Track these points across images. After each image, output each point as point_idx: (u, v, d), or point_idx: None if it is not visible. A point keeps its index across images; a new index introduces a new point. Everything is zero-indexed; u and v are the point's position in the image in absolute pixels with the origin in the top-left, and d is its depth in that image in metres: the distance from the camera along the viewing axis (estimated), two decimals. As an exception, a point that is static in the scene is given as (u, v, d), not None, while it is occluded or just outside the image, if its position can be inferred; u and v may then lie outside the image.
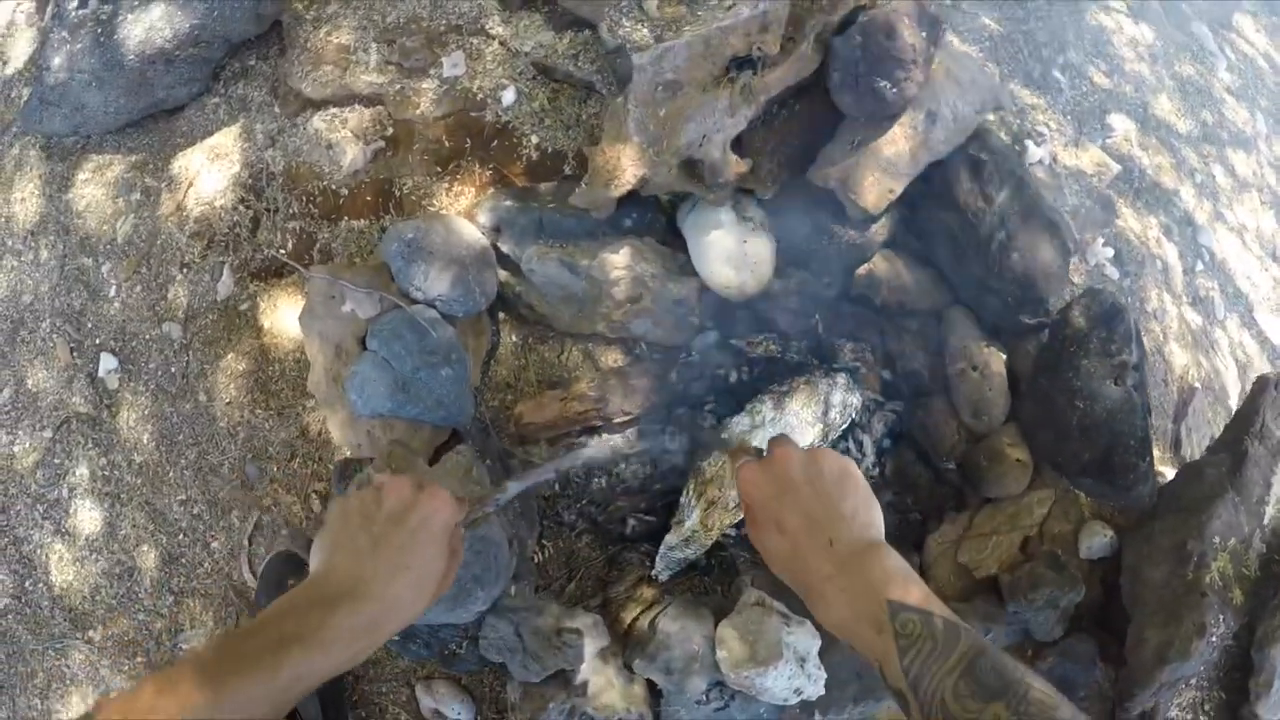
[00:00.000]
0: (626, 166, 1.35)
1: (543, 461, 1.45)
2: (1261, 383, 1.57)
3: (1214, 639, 1.41)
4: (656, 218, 1.51)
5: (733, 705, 1.39)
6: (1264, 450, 1.54)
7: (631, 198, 1.44)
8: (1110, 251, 1.77)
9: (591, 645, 1.38)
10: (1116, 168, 1.84)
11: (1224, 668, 1.50)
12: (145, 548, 1.68)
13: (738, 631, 1.34)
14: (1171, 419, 1.81)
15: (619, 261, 1.46)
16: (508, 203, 1.53)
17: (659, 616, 1.40)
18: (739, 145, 1.41)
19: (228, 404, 1.66)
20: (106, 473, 1.70)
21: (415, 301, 1.48)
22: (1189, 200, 2.01)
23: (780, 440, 0.86)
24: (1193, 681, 1.46)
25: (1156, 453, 1.76)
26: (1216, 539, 1.46)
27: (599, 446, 1.39)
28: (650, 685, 1.44)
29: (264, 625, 0.68)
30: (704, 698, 1.39)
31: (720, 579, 1.52)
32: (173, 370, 1.69)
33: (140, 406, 1.69)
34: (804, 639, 1.33)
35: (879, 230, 1.48)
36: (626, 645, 1.45)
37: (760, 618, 1.34)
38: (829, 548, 0.75)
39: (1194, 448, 1.79)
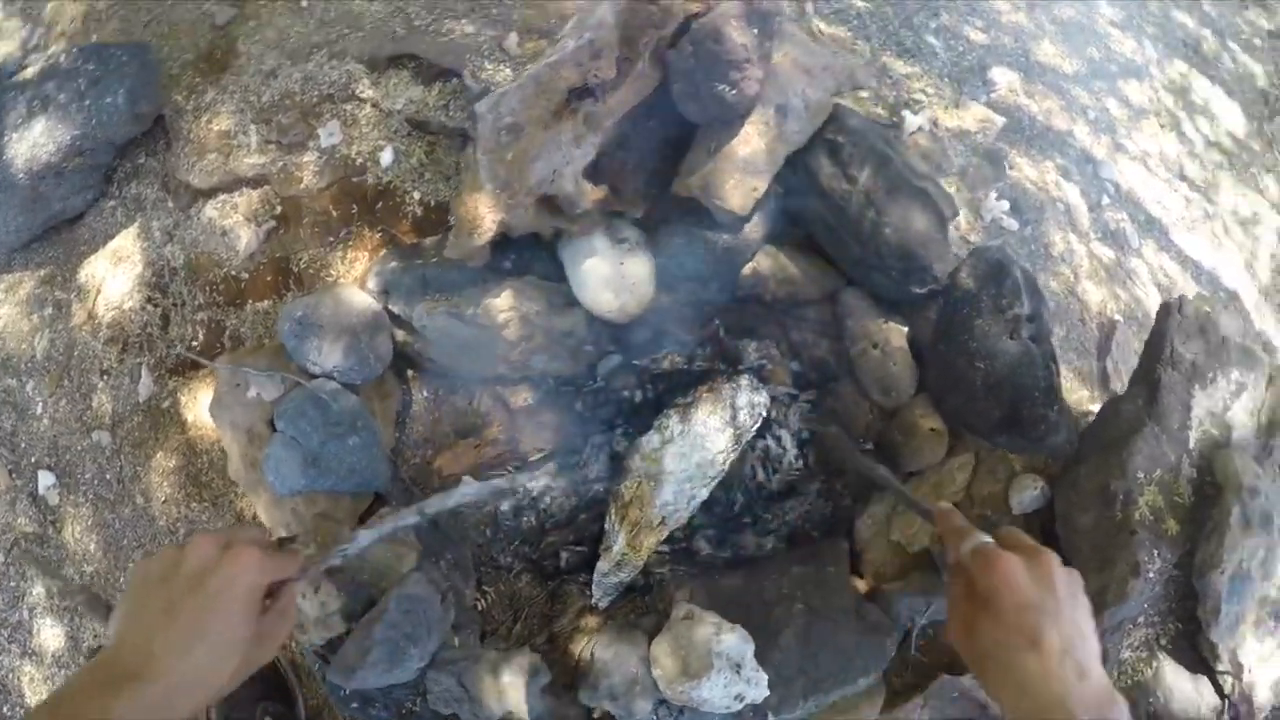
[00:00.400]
0: (484, 214, 1.34)
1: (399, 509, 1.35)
2: (1165, 309, 1.53)
3: (1151, 575, 1.38)
4: (536, 254, 1.50)
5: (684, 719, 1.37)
6: (1178, 375, 1.50)
7: (509, 239, 1.44)
8: (1005, 204, 1.74)
9: (534, 684, 1.37)
10: (1001, 121, 1.82)
11: (1174, 599, 1.46)
12: (110, 654, 1.68)
13: (669, 647, 1.33)
14: (1095, 356, 1.78)
15: (502, 305, 1.45)
16: (393, 264, 1.53)
17: (594, 645, 1.39)
18: (597, 171, 1.40)
19: (164, 502, 1.66)
20: (61, 588, 1.70)
21: (314, 376, 1.48)
22: (1085, 138, 1.97)
23: (1027, 542, 0.78)
24: (1140, 620, 1.42)
25: (1085, 392, 1.74)
26: (1140, 474, 1.42)
27: (473, 485, 1.34)
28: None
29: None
30: (654, 717, 1.37)
31: (659, 598, 1.50)
32: (108, 477, 1.70)
33: (83, 518, 1.70)
34: (735, 645, 1.31)
35: (754, 229, 1.46)
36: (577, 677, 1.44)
37: (689, 631, 1.33)
38: (1079, 682, 0.69)
39: (1123, 381, 1.75)
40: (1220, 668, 1.42)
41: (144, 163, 1.78)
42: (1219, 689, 1.41)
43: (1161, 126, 2.13)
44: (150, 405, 1.69)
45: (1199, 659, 1.44)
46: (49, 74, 1.67)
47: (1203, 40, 2.35)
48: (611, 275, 1.43)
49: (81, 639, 1.69)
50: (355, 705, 1.46)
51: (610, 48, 1.31)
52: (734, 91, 1.31)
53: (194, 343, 1.67)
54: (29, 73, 1.71)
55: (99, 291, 1.73)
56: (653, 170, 1.45)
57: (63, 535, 1.71)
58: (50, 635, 1.70)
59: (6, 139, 1.70)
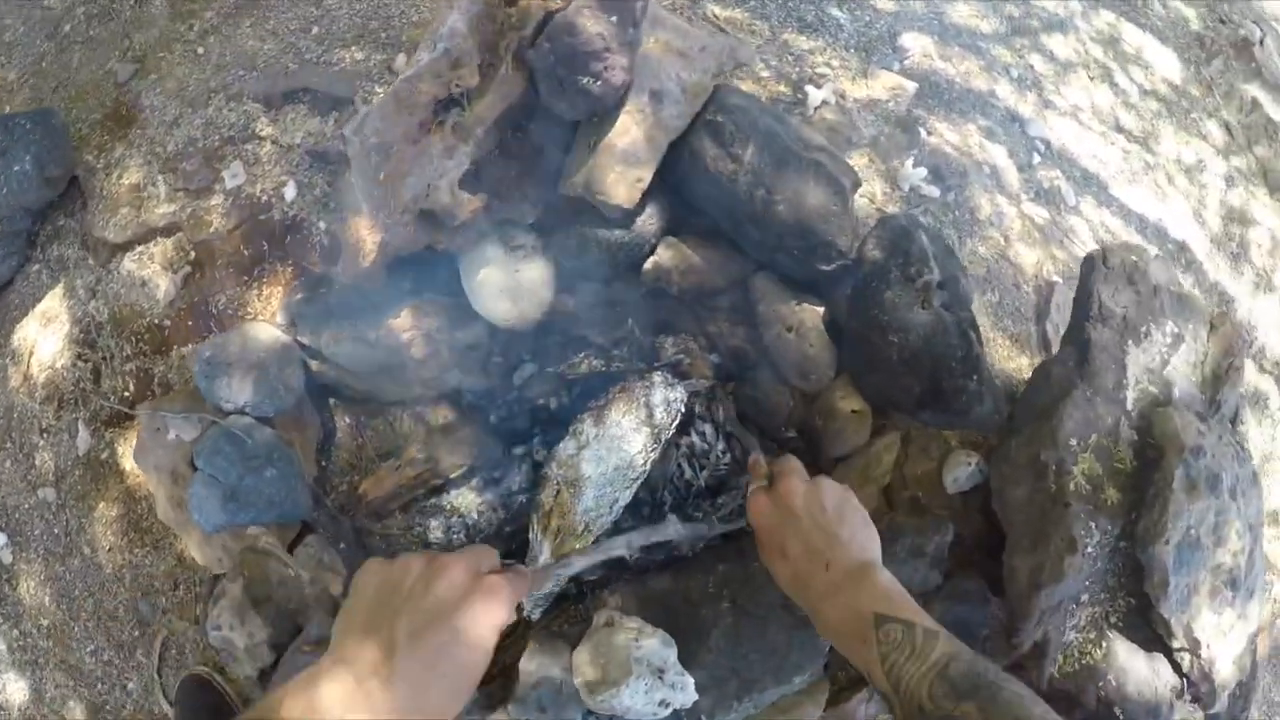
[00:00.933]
0: (366, 237, 1.28)
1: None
2: (1088, 261, 1.40)
3: (1090, 550, 1.25)
4: (435, 270, 1.43)
5: (615, 731, 1.28)
6: (1108, 332, 1.37)
7: (410, 257, 1.37)
8: (923, 171, 1.64)
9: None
10: (914, 87, 1.71)
11: (1122, 573, 1.30)
12: (72, 703, 1.64)
13: (589, 655, 1.24)
14: (1034, 320, 1.66)
15: (403, 325, 1.38)
16: (298, 296, 1.48)
17: (520, 657, 1.30)
18: (480, 181, 1.33)
19: (109, 550, 1.62)
20: (21, 643, 1.67)
21: (228, 414, 1.43)
22: (1009, 97, 1.86)
23: (786, 468, 0.95)
24: (1084, 598, 1.28)
25: (1024, 359, 1.62)
26: (1073, 441, 1.29)
27: (678, 525, 1.26)
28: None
29: None
30: (584, 730, 1.28)
31: (593, 605, 1.42)
32: (56, 531, 1.66)
33: (35, 574, 1.66)
34: (655, 649, 1.22)
35: (648, 221, 1.37)
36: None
37: (608, 637, 1.24)
38: (825, 571, 0.81)
39: (1064, 344, 1.64)
40: (1175, 644, 1.27)
41: (64, 224, 1.75)
42: (1177, 667, 1.27)
43: (1092, 79, 2.00)
44: (89, 458, 1.65)
45: (1153, 636, 1.28)
46: (-41, 150, 1.64)
47: (1130, -13, 2.22)
48: (507, 283, 1.36)
49: (44, 691, 1.66)
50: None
51: (469, 55, 1.24)
52: (599, 83, 1.23)
53: (125, 393, 1.63)
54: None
55: (32, 353, 1.70)
56: (541, 174, 1.38)
57: (18, 592, 1.67)
58: (15, 689, 1.66)
59: (-76, 218, 1.68)
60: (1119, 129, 1.96)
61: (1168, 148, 2.01)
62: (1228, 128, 2.11)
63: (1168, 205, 1.95)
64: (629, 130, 1.30)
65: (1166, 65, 2.12)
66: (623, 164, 1.30)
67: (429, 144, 1.25)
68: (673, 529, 1.25)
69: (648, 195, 1.35)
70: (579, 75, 1.22)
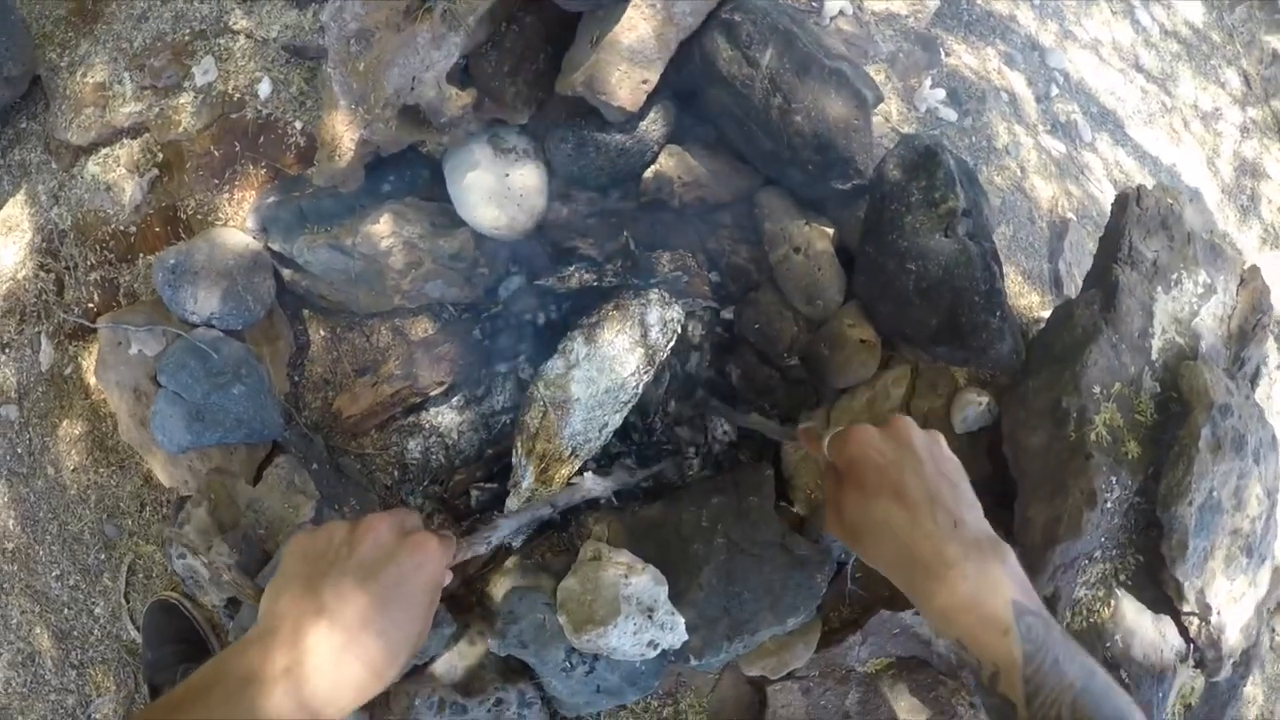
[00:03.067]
0: (343, 134, 1.10)
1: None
2: (1121, 200, 1.25)
3: (1108, 505, 1.11)
4: (419, 172, 1.26)
5: (599, 666, 1.16)
6: (1137, 276, 1.21)
7: (384, 158, 1.19)
8: (941, 93, 1.47)
9: (437, 634, 1.16)
10: (935, 3, 1.53)
11: (1135, 529, 1.16)
12: (38, 630, 1.50)
13: (575, 591, 1.10)
14: (1047, 258, 1.51)
15: (382, 230, 1.21)
16: (269, 200, 1.30)
17: (502, 589, 1.17)
18: (470, 76, 1.14)
19: (74, 470, 1.46)
20: (-17, 565, 1.52)
21: (194, 326, 1.26)
22: (1029, 24, 1.68)
23: (893, 418, 0.71)
24: (1097, 554, 1.15)
25: (1035, 297, 1.48)
26: (1096, 389, 1.13)
27: (598, 481, 1.18)
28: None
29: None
30: (568, 664, 1.16)
31: (578, 534, 1.28)
32: (19, 451, 1.50)
33: (-1, 495, 1.51)
34: (646, 587, 1.09)
35: (652, 126, 1.20)
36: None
37: (596, 572, 1.10)
38: (954, 529, 0.61)
39: (1076, 284, 1.49)
40: (1186, 608, 1.13)
41: (25, 127, 1.54)
42: (1184, 631, 1.14)
43: (1114, 13, 1.81)
44: (53, 374, 1.48)
45: (1162, 597, 1.14)
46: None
47: (1157, -78, 2.02)
48: (496, 188, 1.18)
49: (9, 617, 1.51)
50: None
51: (460, -76, 1.05)
52: (606, -35, 1.05)
53: (90, 305, 1.45)
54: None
55: (-9, 263, 1.52)
56: (536, 71, 1.19)
57: (-20, 513, 1.52)
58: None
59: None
60: (1138, 68, 1.79)
61: (1185, 92, 1.84)
62: (1246, 78, 1.94)
63: (1182, 150, 1.79)
64: (636, 26, 1.11)
65: (1189, 7, 1.94)
66: (628, 63, 1.12)
67: (415, 32, 1.06)
68: (590, 484, 1.16)
69: (652, 99, 1.17)
70: (583, -46, 1.03)
